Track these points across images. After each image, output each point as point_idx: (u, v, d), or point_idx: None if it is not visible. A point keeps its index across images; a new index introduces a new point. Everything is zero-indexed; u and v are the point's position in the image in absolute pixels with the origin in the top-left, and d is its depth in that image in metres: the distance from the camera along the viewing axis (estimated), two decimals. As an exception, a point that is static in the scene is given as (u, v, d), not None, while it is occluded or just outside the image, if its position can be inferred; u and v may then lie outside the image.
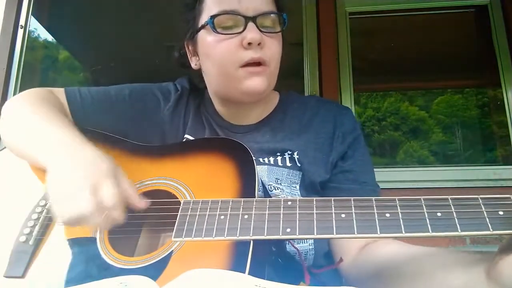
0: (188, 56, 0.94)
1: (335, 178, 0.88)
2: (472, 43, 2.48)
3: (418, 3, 2.26)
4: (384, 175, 1.95)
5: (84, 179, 0.63)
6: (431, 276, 0.62)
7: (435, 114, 3.06)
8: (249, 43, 0.79)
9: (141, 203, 0.68)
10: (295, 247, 0.76)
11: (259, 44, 0.80)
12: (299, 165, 0.86)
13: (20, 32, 2.20)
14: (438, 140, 2.99)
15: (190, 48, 0.92)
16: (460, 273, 0.58)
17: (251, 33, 0.79)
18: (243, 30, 0.80)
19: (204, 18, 0.84)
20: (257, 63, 0.81)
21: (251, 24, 0.80)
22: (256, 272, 0.55)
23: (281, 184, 0.84)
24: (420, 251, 0.69)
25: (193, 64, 0.93)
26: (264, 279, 0.52)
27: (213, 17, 0.81)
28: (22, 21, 2.22)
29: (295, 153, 0.87)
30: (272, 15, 0.83)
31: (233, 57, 0.81)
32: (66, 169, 0.66)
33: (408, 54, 2.70)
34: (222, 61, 0.82)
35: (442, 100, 3.19)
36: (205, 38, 0.84)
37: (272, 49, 0.83)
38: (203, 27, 0.85)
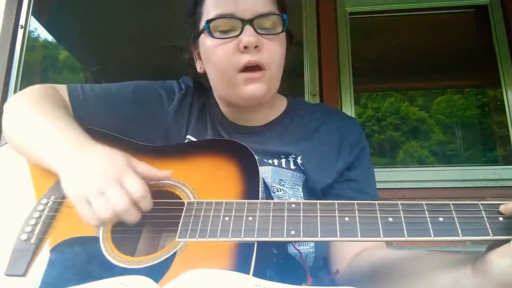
0: (194, 59, 0.93)
1: (339, 186, 0.89)
2: (472, 43, 2.48)
3: (418, 3, 2.26)
4: (384, 175, 1.94)
5: (105, 176, 0.63)
6: (421, 276, 0.63)
7: (435, 114, 3.06)
8: (245, 47, 0.78)
9: (165, 173, 0.70)
10: (297, 249, 0.76)
11: (256, 47, 0.78)
12: (302, 169, 0.87)
13: (20, 32, 2.19)
14: (438, 140, 2.99)
15: (194, 51, 0.92)
16: (448, 271, 0.59)
17: (247, 36, 0.77)
18: (239, 34, 0.78)
19: (203, 22, 0.83)
20: (256, 67, 0.80)
21: (248, 27, 0.78)
22: (257, 273, 0.55)
23: (284, 186, 0.84)
24: (410, 253, 0.70)
25: (198, 67, 0.93)
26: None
27: (209, 21, 0.80)
28: (22, 21, 2.22)
29: (299, 158, 0.87)
30: (271, 16, 0.81)
31: (231, 62, 0.80)
32: (82, 169, 0.65)
33: (408, 54, 2.70)
34: (220, 66, 0.82)
35: (442, 100, 3.19)
36: (205, 42, 0.84)
37: (271, 51, 0.81)
38: (202, 31, 0.84)
